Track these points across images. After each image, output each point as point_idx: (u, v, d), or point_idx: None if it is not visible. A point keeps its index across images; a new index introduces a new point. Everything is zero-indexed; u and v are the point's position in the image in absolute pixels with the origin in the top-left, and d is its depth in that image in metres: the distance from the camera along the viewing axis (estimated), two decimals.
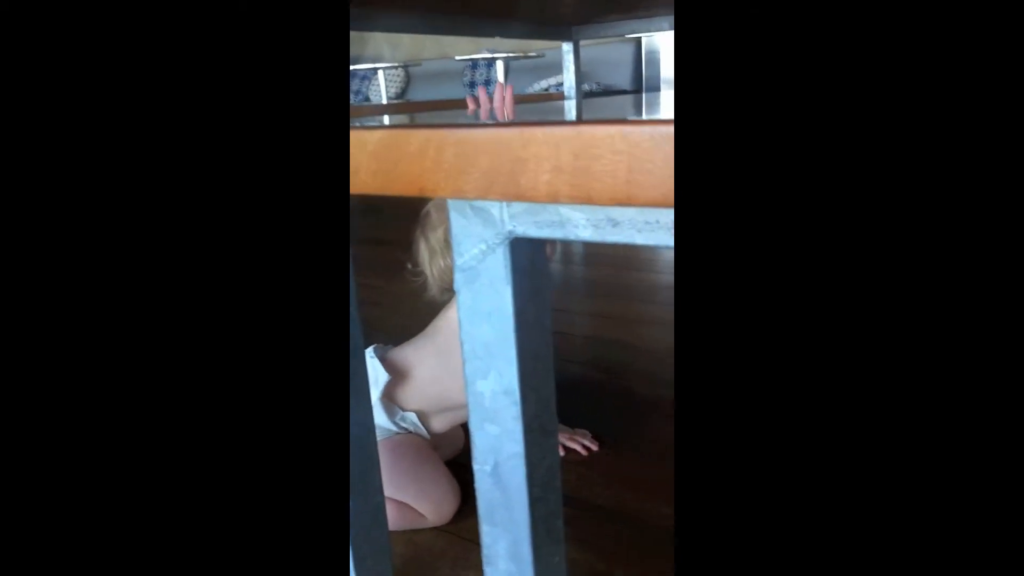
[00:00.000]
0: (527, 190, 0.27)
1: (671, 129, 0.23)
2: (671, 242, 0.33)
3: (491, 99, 1.07)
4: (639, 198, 0.24)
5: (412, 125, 0.30)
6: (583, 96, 2.35)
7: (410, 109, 1.94)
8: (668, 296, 1.84)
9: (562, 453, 1.04)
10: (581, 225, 0.34)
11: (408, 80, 5.06)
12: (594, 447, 1.05)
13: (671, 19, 1.98)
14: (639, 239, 0.34)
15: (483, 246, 0.36)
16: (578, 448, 1.04)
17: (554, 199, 0.26)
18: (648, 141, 0.23)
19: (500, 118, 1.01)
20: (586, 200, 0.26)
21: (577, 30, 2.14)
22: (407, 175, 0.29)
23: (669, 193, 0.24)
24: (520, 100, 2.29)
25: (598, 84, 4.19)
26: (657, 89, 3.83)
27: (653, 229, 0.33)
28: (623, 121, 0.24)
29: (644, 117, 0.61)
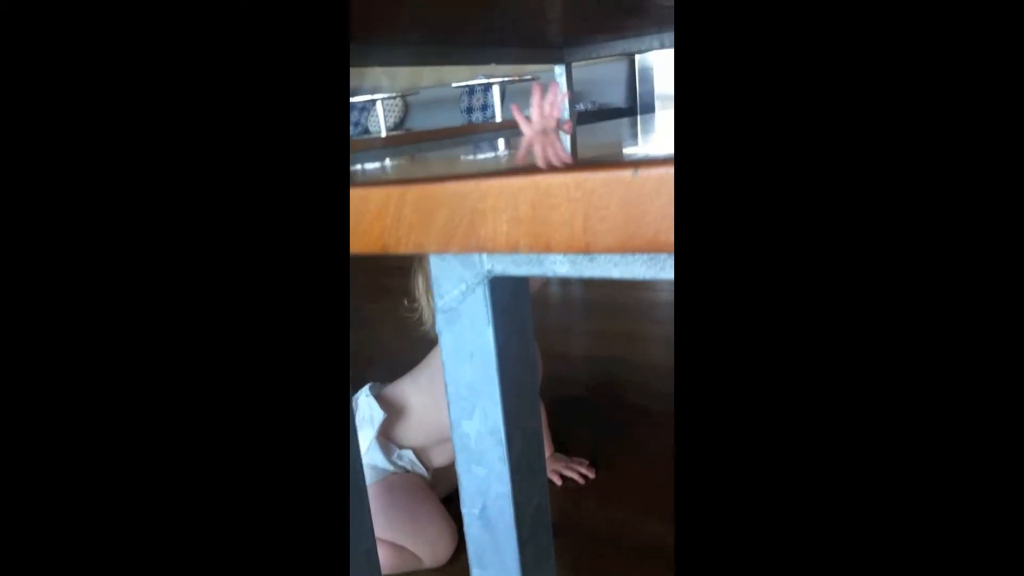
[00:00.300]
0: (487, 241, 0.27)
1: (625, 173, 0.23)
2: (647, 275, 0.33)
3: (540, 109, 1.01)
4: (597, 245, 0.24)
5: (370, 182, 0.30)
6: (577, 116, 2.37)
7: (410, 140, 1.96)
8: (665, 313, 1.84)
9: (559, 482, 1.03)
10: (559, 261, 0.34)
11: (407, 109, 5.11)
12: (590, 475, 1.04)
13: (661, 37, 1.99)
14: (615, 273, 0.33)
15: (463, 286, 0.36)
16: (575, 477, 1.03)
17: (514, 249, 0.26)
18: (603, 187, 0.23)
19: (546, 124, 0.97)
20: (545, 249, 0.26)
21: (568, 52, 2.16)
22: (369, 233, 0.29)
23: (626, 239, 0.23)
24: (512, 125, 2.31)
25: (593, 103, 4.22)
26: (651, 104, 3.85)
27: (629, 263, 0.33)
28: (578, 168, 0.24)
29: (638, 145, 0.61)
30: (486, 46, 1.91)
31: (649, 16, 1.62)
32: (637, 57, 3.97)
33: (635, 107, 3.99)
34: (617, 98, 4.24)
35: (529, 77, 3.82)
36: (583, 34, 1.86)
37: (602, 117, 4.09)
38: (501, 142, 0.97)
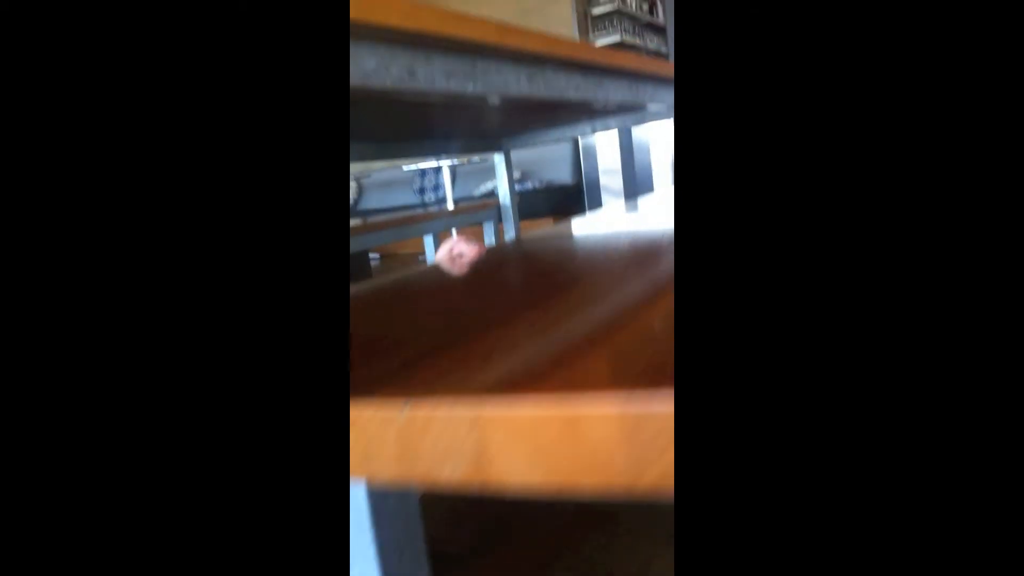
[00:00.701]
0: None
1: (395, 410, 0.23)
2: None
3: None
4: (377, 476, 0.24)
5: None
6: (519, 196, 2.44)
7: (362, 231, 1.97)
8: None
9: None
10: None
11: (360, 191, 5.18)
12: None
13: (593, 124, 2.08)
14: None
15: None
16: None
17: None
18: (376, 422, 0.24)
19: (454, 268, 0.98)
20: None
21: (507, 140, 2.24)
22: None
23: (401, 472, 0.24)
24: (461, 211, 2.36)
25: (540, 181, 4.34)
26: (596, 180, 3.96)
27: None
28: (355, 400, 0.24)
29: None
30: (430, 142, 1.98)
31: (581, 111, 1.70)
32: (580, 137, 4.12)
33: (581, 184, 4.11)
34: (563, 176, 4.36)
35: (477, 159, 3.92)
36: (519, 128, 1.94)
37: (549, 195, 4.19)
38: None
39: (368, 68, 0.88)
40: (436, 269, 0.74)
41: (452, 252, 0.79)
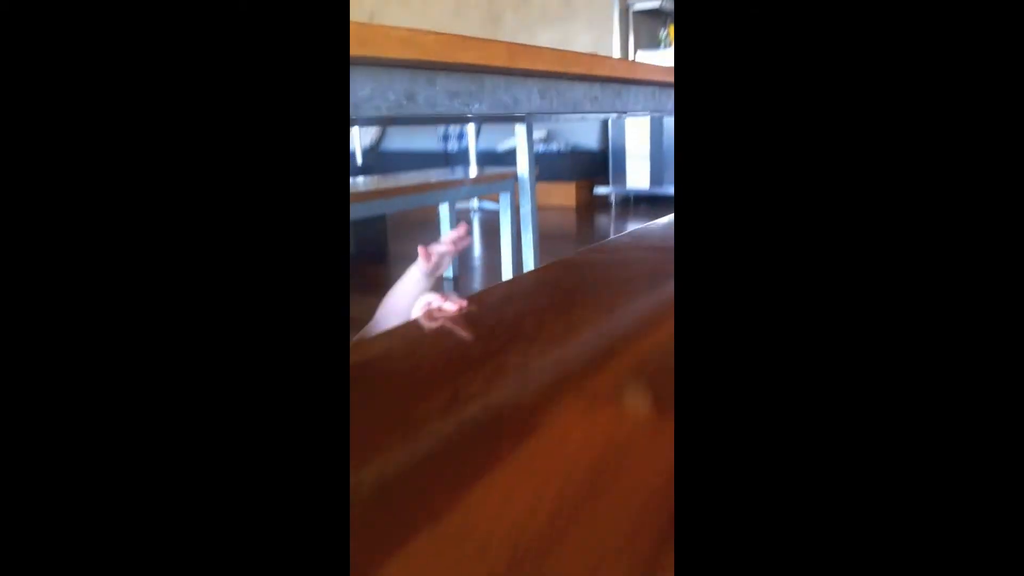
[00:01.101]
0: None
1: None
2: None
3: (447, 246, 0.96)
4: None
5: None
6: (538, 170, 2.38)
7: (367, 197, 1.95)
8: None
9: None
10: None
11: (383, 131, 5.09)
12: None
13: (619, 111, 2.01)
14: None
15: None
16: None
17: None
18: None
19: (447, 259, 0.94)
20: None
21: (530, 114, 2.17)
22: None
23: None
24: (479, 180, 2.31)
25: (566, 144, 4.23)
26: (622, 149, 3.86)
27: None
28: None
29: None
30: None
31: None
32: None
33: (607, 151, 4.00)
34: (590, 141, 4.25)
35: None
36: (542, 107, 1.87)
37: (574, 159, 4.10)
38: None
39: (361, 96, 0.83)
40: (409, 332, 0.72)
41: (430, 307, 0.76)
